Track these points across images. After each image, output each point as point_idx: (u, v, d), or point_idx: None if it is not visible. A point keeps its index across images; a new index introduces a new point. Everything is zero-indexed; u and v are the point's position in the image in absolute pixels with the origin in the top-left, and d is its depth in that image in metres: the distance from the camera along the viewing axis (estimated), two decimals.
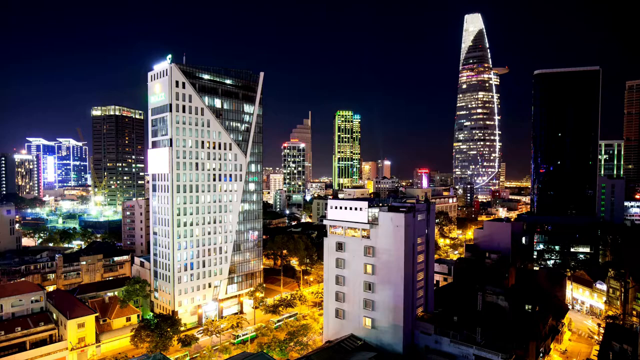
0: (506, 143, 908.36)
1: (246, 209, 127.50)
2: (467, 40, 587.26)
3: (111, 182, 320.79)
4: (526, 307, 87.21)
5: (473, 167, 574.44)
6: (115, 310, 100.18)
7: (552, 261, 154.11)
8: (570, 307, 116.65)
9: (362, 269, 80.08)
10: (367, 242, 79.31)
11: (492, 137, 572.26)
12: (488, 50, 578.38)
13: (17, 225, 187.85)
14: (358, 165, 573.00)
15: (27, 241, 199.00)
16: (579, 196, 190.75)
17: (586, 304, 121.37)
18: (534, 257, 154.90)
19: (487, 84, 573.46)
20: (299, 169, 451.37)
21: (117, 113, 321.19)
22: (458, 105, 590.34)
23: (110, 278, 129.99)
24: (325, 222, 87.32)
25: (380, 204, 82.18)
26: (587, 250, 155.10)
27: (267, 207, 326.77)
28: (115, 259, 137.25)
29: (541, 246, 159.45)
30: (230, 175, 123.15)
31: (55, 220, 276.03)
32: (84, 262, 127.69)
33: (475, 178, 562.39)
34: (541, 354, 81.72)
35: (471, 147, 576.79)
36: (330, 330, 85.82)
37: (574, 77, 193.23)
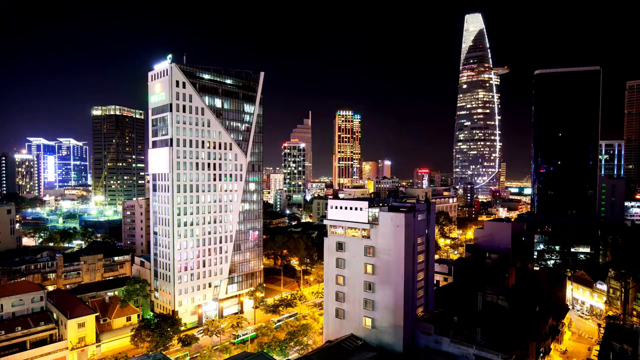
0: (506, 143, 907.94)
1: (246, 209, 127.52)
2: (467, 40, 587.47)
3: (111, 182, 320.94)
4: (526, 307, 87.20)
5: (473, 167, 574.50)
6: (116, 310, 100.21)
7: (552, 261, 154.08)
8: (570, 307, 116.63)
9: (362, 269, 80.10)
10: (367, 242, 79.32)
11: (492, 137, 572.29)
12: (488, 50, 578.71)
13: (17, 225, 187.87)
14: (358, 165, 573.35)
15: (27, 241, 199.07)
16: (579, 196, 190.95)
17: (586, 304, 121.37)
18: (534, 257, 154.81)
19: (487, 84, 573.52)
20: (299, 169, 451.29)
21: (117, 113, 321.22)
22: (458, 105, 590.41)
23: (110, 278, 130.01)
24: (325, 222, 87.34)
25: (381, 204, 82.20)
26: (587, 250, 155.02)
27: (268, 207, 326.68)
28: (116, 258, 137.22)
29: (541, 246, 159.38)
30: (231, 175, 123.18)
31: (55, 220, 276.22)
32: (84, 262, 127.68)
33: (476, 178, 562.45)
34: (541, 354, 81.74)
35: (471, 147, 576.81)
36: (330, 330, 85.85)
37: (574, 77, 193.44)
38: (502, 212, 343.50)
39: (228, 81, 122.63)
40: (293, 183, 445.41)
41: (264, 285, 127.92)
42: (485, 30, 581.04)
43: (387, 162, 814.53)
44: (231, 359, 69.89)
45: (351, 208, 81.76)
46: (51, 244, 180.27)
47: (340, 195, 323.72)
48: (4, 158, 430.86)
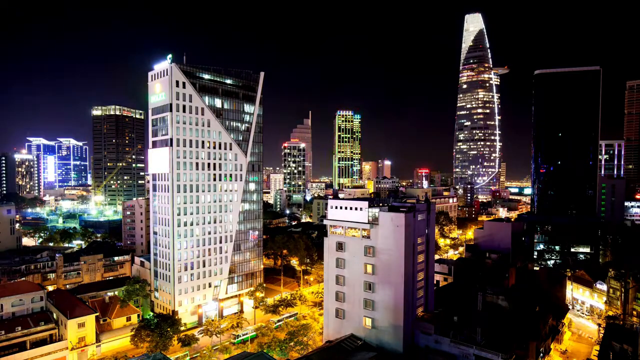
0: (506, 143, 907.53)
1: (246, 209, 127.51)
2: (467, 40, 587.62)
3: (111, 182, 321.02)
4: (526, 307, 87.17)
5: (473, 167, 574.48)
6: (116, 310, 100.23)
7: (552, 261, 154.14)
8: (570, 307, 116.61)
9: (362, 268, 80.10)
10: (367, 242, 79.32)
11: (492, 137, 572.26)
12: (488, 50, 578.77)
13: (17, 225, 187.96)
14: (358, 165, 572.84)
15: (27, 241, 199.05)
16: (579, 196, 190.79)
17: (586, 304, 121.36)
18: (534, 257, 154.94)
19: (487, 84, 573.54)
20: (299, 169, 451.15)
21: (117, 113, 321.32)
22: (458, 105, 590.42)
23: (110, 278, 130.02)
24: (325, 222, 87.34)
25: (381, 204, 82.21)
26: (587, 250, 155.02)
27: (267, 207, 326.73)
28: (116, 258, 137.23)
29: (541, 246, 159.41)
30: (231, 175, 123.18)
31: (55, 220, 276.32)
32: (84, 262, 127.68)
33: (476, 178, 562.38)
34: (541, 354, 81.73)
35: (471, 147, 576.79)
36: (330, 330, 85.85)
37: (574, 77, 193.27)
38: (502, 212, 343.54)
39: (228, 81, 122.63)
40: (293, 183, 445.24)
41: (264, 285, 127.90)
42: (485, 30, 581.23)
43: (387, 162, 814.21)
44: (231, 359, 69.88)
45: (351, 208, 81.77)
46: (51, 244, 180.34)
47: (341, 195, 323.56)
48: (4, 158, 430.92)
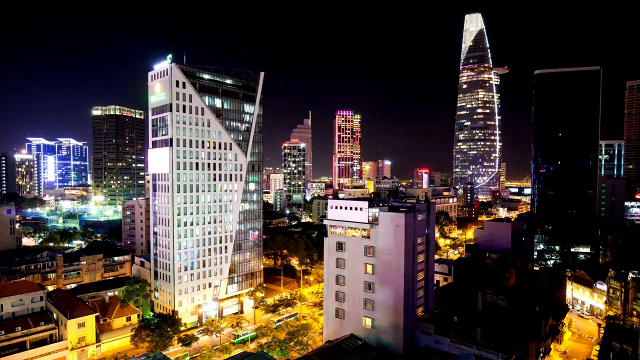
0: (506, 143, 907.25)
1: (246, 209, 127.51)
2: (467, 40, 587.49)
3: (111, 182, 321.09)
4: (526, 307, 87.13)
5: (473, 167, 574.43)
6: (116, 310, 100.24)
7: (552, 261, 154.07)
8: (570, 307, 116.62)
9: (362, 268, 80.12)
10: (367, 242, 79.33)
11: (492, 137, 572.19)
12: (488, 50, 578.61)
13: (17, 225, 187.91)
14: (358, 165, 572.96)
15: (27, 241, 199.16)
16: (579, 196, 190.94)
17: (586, 304, 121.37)
18: (534, 257, 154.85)
19: (487, 84, 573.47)
20: (299, 169, 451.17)
21: (117, 113, 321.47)
22: (458, 105, 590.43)
23: (110, 278, 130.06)
24: (325, 222, 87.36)
25: (381, 204, 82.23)
26: (587, 250, 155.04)
27: (267, 207, 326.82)
28: (116, 258, 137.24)
29: (541, 246, 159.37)
30: (231, 175, 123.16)
31: (55, 220, 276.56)
32: (84, 262, 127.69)
33: (476, 178, 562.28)
34: (541, 354, 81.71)
35: (471, 147, 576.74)
36: (330, 330, 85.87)
37: (574, 77, 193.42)
38: (502, 212, 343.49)
39: (228, 81, 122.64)
40: (293, 183, 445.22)
41: (264, 285, 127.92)
42: (485, 30, 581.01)
43: (387, 162, 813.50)
44: (231, 359, 69.91)
45: (351, 208, 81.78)
46: (51, 244, 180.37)
47: (340, 195, 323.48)
48: (4, 158, 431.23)
